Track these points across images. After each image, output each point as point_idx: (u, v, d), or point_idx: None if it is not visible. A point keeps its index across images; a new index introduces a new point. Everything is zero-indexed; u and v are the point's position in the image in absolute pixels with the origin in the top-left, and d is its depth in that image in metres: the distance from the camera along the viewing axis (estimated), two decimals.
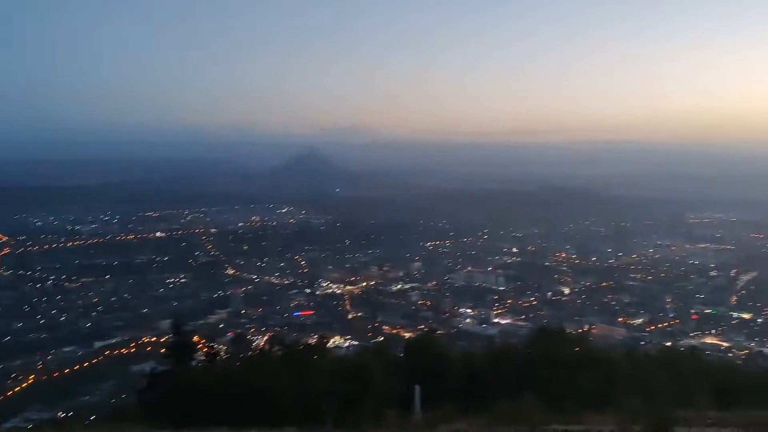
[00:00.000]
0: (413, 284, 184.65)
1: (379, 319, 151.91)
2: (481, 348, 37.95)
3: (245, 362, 25.80)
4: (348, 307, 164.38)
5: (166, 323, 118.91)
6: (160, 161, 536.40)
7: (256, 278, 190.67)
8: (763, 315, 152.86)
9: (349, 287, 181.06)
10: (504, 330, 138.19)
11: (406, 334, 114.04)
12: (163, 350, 27.61)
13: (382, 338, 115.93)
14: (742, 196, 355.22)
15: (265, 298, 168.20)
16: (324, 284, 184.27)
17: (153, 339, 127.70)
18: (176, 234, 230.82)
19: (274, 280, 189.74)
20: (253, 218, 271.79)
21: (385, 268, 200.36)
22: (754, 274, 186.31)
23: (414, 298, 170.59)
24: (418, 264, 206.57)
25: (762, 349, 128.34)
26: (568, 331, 38.33)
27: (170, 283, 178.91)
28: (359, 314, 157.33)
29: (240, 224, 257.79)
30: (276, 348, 26.22)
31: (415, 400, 21.31)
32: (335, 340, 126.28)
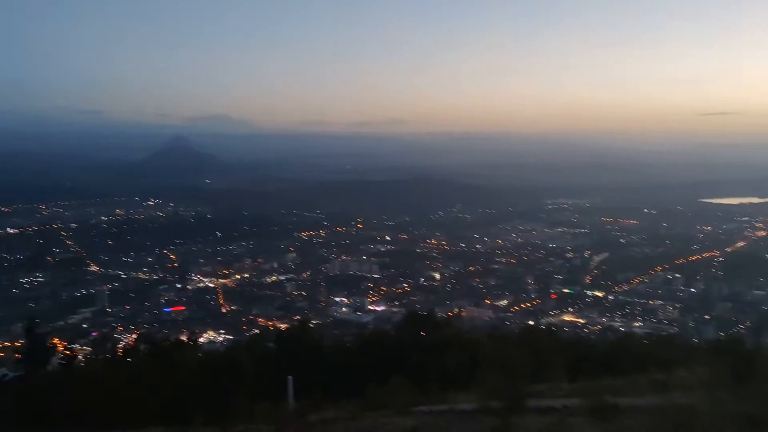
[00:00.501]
0: (288, 275, 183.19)
1: (253, 312, 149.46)
2: (355, 336, 38.65)
3: (109, 362, 24.74)
4: (221, 300, 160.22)
5: (20, 326, 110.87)
6: (10, 153, 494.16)
7: (122, 274, 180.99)
8: (613, 293, 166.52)
9: (222, 280, 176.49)
10: (379, 317, 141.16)
11: (281, 326, 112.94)
12: (16, 355, 25.81)
13: (257, 331, 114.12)
14: (595, 183, 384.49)
15: (132, 294, 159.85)
16: (195, 278, 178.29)
17: (6, 344, 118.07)
18: (31, 230, 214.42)
19: (142, 276, 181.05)
20: (117, 212, 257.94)
21: (258, 260, 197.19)
22: (606, 255, 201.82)
23: (289, 289, 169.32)
24: (292, 255, 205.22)
25: (612, 323, 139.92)
26: (438, 315, 40.03)
27: (25, 282, 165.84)
28: (233, 308, 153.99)
29: (103, 218, 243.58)
30: (143, 346, 25.35)
31: (288, 392, 21.30)
32: (208, 335, 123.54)
